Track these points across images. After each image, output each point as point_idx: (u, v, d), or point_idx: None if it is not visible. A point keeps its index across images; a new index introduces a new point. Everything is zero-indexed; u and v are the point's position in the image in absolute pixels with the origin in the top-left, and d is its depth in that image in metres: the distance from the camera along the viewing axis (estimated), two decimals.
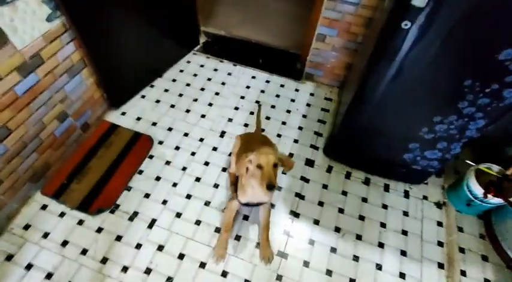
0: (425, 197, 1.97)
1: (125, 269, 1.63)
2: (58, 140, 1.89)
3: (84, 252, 1.68)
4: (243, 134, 1.92)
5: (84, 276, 1.60)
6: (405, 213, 1.90)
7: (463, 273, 1.64)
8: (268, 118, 2.32)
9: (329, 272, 1.67)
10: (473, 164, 1.73)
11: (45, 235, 1.72)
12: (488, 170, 1.71)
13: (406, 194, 1.98)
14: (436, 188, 2.02)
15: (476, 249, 1.73)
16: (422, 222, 1.87)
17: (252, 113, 2.34)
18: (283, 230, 1.80)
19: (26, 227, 1.74)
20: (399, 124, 1.60)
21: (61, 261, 1.64)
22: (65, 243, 1.70)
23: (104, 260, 1.66)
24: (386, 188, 2.01)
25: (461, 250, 1.72)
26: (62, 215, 1.80)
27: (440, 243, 1.79)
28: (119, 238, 1.73)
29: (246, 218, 1.82)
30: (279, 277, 1.64)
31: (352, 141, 1.89)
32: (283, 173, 2.02)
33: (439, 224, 1.87)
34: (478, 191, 1.64)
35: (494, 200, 1.62)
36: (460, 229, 1.80)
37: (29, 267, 1.62)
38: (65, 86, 1.81)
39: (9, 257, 1.64)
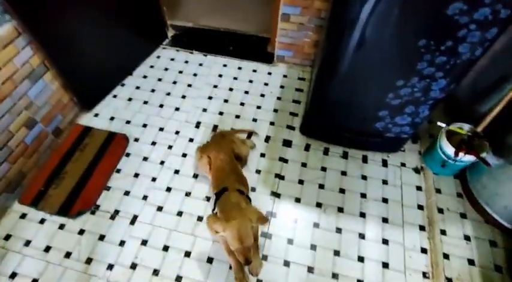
0: (403, 164, 1.99)
1: (110, 266, 1.64)
2: (30, 148, 1.86)
3: (68, 255, 1.67)
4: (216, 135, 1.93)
5: (70, 279, 1.60)
6: (384, 182, 1.92)
7: (443, 232, 1.67)
8: (242, 104, 2.31)
9: (313, 247, 1.69)
10: (444, 125, 1.74)
11: (27, 243, 1.71)
12: (458, 129, 1.73)
13: (384, 163, 2.00)
14: (413, 154, 2.04)
15: (454, 208, 1.76)
16: (401, 189, 1.89)
17: (226, 101, 2.33)
18: (266, 211, 1.81)
19: (7, 238, 1.73)
20: (366, 93, 1.60)
21: (45, 266, 1.64)
22: (47, 249, 1.69)
23: (89, 261, 1.65)
24: (365, 159, 2.02)
25: (440, 211, 1.75)
26: (42, 221, 1.79)
27: (420, 207, 1.82)
28: (101, 237, 1.73)
29: None
30: (264, 257, 1.65)
31: (325, 116, 1.89)
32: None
33: (418, 188, 1.89)
34: (450, 150, 1.66)
35: (466, 158, 1.64)
36: (438, 191, 1.82)
37: (13, 276, 1.61)
38: (28, 92, 1.77)
39: None
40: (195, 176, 1.95)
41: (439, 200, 1.79)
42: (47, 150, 2.00)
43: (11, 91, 1.66)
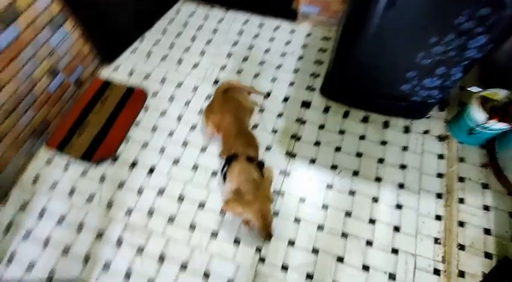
0: (426, 132, 1.91)
1: (129, 211, 1.73)
2: (53, 97, 1.91)
3: (90, 199, 1.77)
4: (220, 94, 1.84)
5: (92, 220, 1.71)
6: (404, 148, 1.86)
7: (461, 200, 1.63)
8: (262, 63, 2.24)
9: (325, 207, 1.70)
10: (477, 90, 1.62)
11: (53, 186, 1.82)
12: (493, 95, 1.60)
13: (407, 130, 1.92)
14: (438, 122, 1.93)
15: (476, 178, 1.69)
16: (422, 156, 1.83)
17: (245, 59, 2.26)
18: (280, 170, 1.81)
19: (35, 180, 1.84)
20: (394, 51, 1.49)
21: (70, 208, 1.75)
22: (71, 193, 1.80)
23: (109, 205, 1.75)
24: (386, 124, 1.95)
25: (461, 179, 1.69)
26: (66, 166, 1.88)
27: (440, 175, 1.76)
28: (121, 185, 1.81)
29: None
30: (275, 213, 1.69)
31: (348, 77, 1.80)
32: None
33: (440, 156, 1.82)
34: (481, 116, 1.56)
35: (497, 126, 1.54)
36: (462, 160, 1.75)
37: (42, 214, 1.74)
38: (50, 40, 1.78)
39: (23, 207, 1.76)
40: None
41: (461, 169, 1.72)
42: (69, 101, 2.05)
43: (32, 38, 1.67)
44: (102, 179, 1.83)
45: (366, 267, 1.54)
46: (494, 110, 1.58)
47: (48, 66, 1.82)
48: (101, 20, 2.04)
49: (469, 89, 1.65)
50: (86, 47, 2.07)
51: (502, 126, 1.53)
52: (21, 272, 1.60)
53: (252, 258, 1.58)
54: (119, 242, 1.65)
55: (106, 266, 1.59)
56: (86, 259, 1.61)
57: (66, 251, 1.64)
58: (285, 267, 1.56)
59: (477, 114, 1.58)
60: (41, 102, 1.84)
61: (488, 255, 1.49)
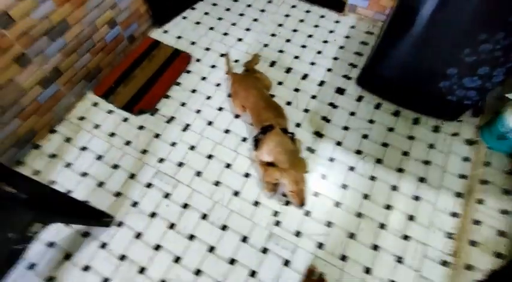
0: (456, 134, 1.93)
1: (161, 160, 1.86)
2: (108, 46, 2.06)
3: (127, 143, 1.92)
4: (238, 76, 2.00)
5: (127, 161, 1.85)
6: (431, 146, 1.89)
7: (480, 201, 1.65)
8: (304, 46, 2.32)
9: (344, 186, 1.77)
10: None
11: (96, 126, 1.98)
12: None
13: (436, 129, 1.96)
14: (470, 126, 1.95)
15: (500, 183, 1.71)
16: (448, 156, 1.86)
17: (288, 41, 2.35)
18: (305, 146, 1.89)
19: (81, 118, 2.00)
20: (439, 44, 1.53)
21: (109, 147, 1.90)
22: (112, 135, 1.95)
23: (144, 152, 1.89)
24: (416, 121, 1.99)
25: (484, 182, 1.71)
26: (110, 112, 2.03)
27: (462, 176, 1.79)
28: (157, 136, 1.94)
29: None
30: None
31: (387, 69, 1.85)
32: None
33: (466, 159, 1.85)
34: None
35: None
36: (488, 164, 1.77)
37: (84, 148, 1.90)
38: None
39: (68, 139, 1.92)
40: None
41: (486, 173, 1.74)
42: (120, 54, 2.20)
43: None
44: (141, 127, 1.97)
45: (375, 247, 1.61)
46: None
47: (110, 17, 1.97)
48: None
49: (507, 95, 1.67)
50: (143, 7, 2.21)
51: None
52: None
53: (268, 220, 1.68)
54: (149, 185, 1.78)
55: (134, 204, 1.73)
56: (117, 195, 1.76)
57: (100, 185, 1.79)
58: (297, 234, 1.64)
59: (510, 119, 1.60)
60: (97, 49, 1.99)
61: (499, 255, 1.52)
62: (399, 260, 1.57)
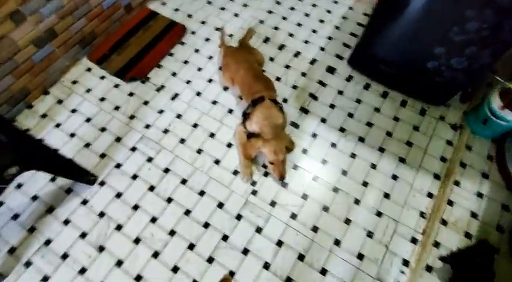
0: (442, 118, 1.93)
1: (147, 126, 1.90)
2: (104, 13, 2.10)
3: (117, 108, 1.96)
4: (230, 49, 2.03)
5: (115, 125, 1.90)
6: (415, 128, 1.89)
7: (457, 183, 1.66)
8: (299, 25, 2.31)
9: (324, 161, 1.79)
10: (502, 80, 1.62)
11: (88, 90, 2.03)
12: None
13: (422, 112, 1.95)
14: (457, 112, 1.94)
15: (479, 167, 1.71)
16: (430, 138, 1.86)
17: (284, 18, 2.34)
18: (290, 121, 1.91)
19: (74, 82, 2.06)
20: (428, 21, 1.52)
21: (98, 111, 1.95)
22: (102, 99, 1.99)
23: (132, 117, 1.93)
24: (403, 103, 1.98)
25: (463, 165, 1.71)
26: (102, 78, 2.08)
27: (443, 159, 1.79)
28: (146, 103, 1.98)
29: None
30: None
31: (377, 47, 1.84)
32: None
33: (449, 143, 1.84)
34: (497, 104, 1.57)
35: (511, 117, 1.54)
36: (469, 148, 1.77)
37: (74, 111, 1.95)
38: None
39: (60, 101, 1.98)
40: None
41: (466, 156, 1.74)
42: (116, 22, 2.23)
43: None
44: (131, 94, 2.02)
45: (347, 221, 1.63)
46: None
47: None
48: None
49: (497, 77, 1.65)
50: None
51: None
52: None
53: (246, 189, 1.71)
54: (133, 149, 1.83)
55: (118, 166, 1.79)
56: (102, 156, 1.81)
57: (87, 145, 1.85)
58: (273, 203, 1.68)
59: (494, 101, 1.59)
60: (94, 14, 2.02)
61: (468, 235, 1.54)
62: (369, 234, 1.60)
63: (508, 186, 1.64)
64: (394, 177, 1.75)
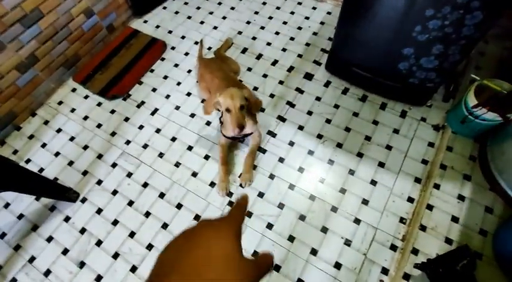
0: (423, 119, 1.87)
1: (128, 142, 1.95)
2: (86, 35, 2.18)
3: (99, 126, 2.02)
4: (205, 60, 2.05)
5: (97, 143, 1.96)
6: (395, 131, 1.85)
7: (437, 186, 1.60)
8: (277, 33, 2.32)
9: (301, 169, 1.77)
10: (478, 78, 1.57)
11: (73, 110, 2.10)
12: (493, 84, 1.54)
13: (403, 114, 1.90)
14: (439, 112, 1.88)
15: (460, 168, 1.64)
16: (411, 141, 1.81)
17: (262, 28, 2.36)
18: (267, 130, 1.91)
19: (60, 103, 2.13)
20: (390, 22, 1.49)
21: (82, 130, 2.01)
22: (86, 118, 2.06)
23: (113, 134, 1.98)
24: (383, 106, 1.94)
25: (443, 167, 1.65)
26: (86, 97, 2.15)
27: (424, 161, 1.74)
28: (126, 119, 2.03)
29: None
30: (254, 167, 1.79)
31: (348, 52, 1.83)
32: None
33: (430, 144, 1.78)
34: (472, 102, 1.51)
35: (488, 116, 1.48)
36: (450, 149, 1.70)
37: (59, 130, 2.02)
38: None
39: (46, 122, 2.06)
40: None
41: (447, 158, 1.68)
42: (100, 43, 2.32)
43: None
44: (113, 111, 2.07)
45: (324, 229, 1.60)
46: (493, 99, 1.52)
47: (85, 6, 2.08)
48: None
49: (472, 75, 1.59)
50: None
51: (492, 116, 1.47)
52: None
53: (222, 201, 1.71)
54: (114, 165, 1.87)
55: (99, 182, 1.83)
56: (84, 173, 1.86)
57: (70, 164, 1.90)
58: (249, 214, 1.67)
59: (470, 100, 1.53)
60: (74, 37, 2.11)
61: (448, 241, 1.47)
62: (347, 242, 1.56)
63: (491, 187, 1.56)
64: (373, 182, 1.70)
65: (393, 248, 1.52)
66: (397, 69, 1.70)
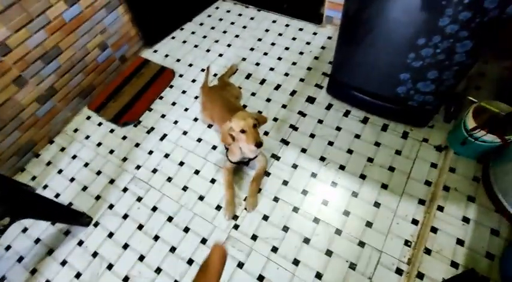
0: (425, 140, 1.89)
1: (138, 167, 2.04)
2: (100, 66, 2.33)
3: (111, 152, 2.13)
4: (206, 88, 2.14)
5: (109, 168, 2.06)
6: (397, 152, 1.87)
7: (441, 208, 1.60)
8: (279, 58, 2.42)
9: (304, 192, 1.81)
10: (476, 101, 1.60)
11: (87, 137, 2.22)
12: (491, 106, 1.56)
13: (405, 135, 1.93)
14: (441, 132, 1.90)
15: (464, 190, 1.64)
16: (414, 162, 1.82)
17: (265, 54, 2.47)
18: (271, 153, 1.97)
19: (75, 130, 2.27)
20: (385, 50, 1.55)
21: (95, 156, 2.12)
22: (99, 144, 2.17)
23: (124, 159, 2.08)
24: (384, 128, 1.98)
25: (446, 189, 1.66)
26: (99, 124, 2.28)
27: (428, 183, 1.74)
28: (137, 145, 2.13)
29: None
30: (258, 190, 1.84)
31: (347, 76, 1.89)
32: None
33: (433, 165, 1.80)
34: (471, 124, 1.54)
35: (488, 138, 1.50)
36: (453, 170, 1.71)
37: (74, 157, 2.14)
38: (104, 19, 2.20)
39: (62, 149, 2.18)
40: None
41: (450, 179, 1.69)
42: (113, 73, 2.47)
43: (91, 15, 2.09)
44: (124, 137, 2.18)
45: (329, 252, 1.61)
46: (492, 121, 1.54)
47: (100, 40, 2.24)
48: (149, 9, 2.43)
49: (469, 97, 1.63)
50: (133, 30, 2.47)
51: (491, 138, 1.49)
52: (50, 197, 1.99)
53: (228, 224, 1.76)
54: (125, 190, 1.96)
55: (110, 206, 1.91)
56: (97, 198, 1.95)
57: (84, 189, 2.00)
58: (254, 237, 1.70)
59: (468, 123, 1.56)
60: (90, 69, 2.26)
61: (454, 264, 1.46)
62: (352, 266, 1.56)
63: (497, 209, 1.55)
64: (376, 204, 1.72)
65: (399, 271, 1.52)
66: (395, 92, 1.74)
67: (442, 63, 1.45)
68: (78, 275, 1.71)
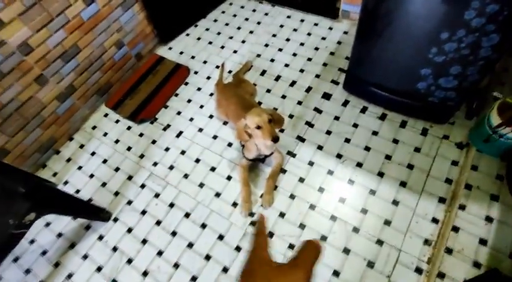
0: (446, 137, 1.85)
1: (155, 164, 2.07)
2: (117, 64, 2.37)
3: (129, 149, 2.16)
4: (220, 86, 2.14)
5: (127, 165, 2.09)
6: (417, 150, 1.83)
7: (463, 207, 1.56)
8: (295, 54, 2.40)
9: (321, 189, 1.80)
10: (500, 97, 1.54)
11: (105, 134, 2.26)
12: None
13: (424, 132, 1.89)
14: (462, 129, 1.85)
15: (486, 188, 1.60)
16: (434, 160, 1.78)
17: (280, 50, 2.45)
18: (287, 150, 1.96)
19: (94, 127, 2.31)
20: (406, 45, 1.51)
21: (113, 152, 2.17)
22: (117, 141, 2.21)
23: (142, 156, 2.11)
24: (403, 124, 1.94)
25: (468, 187, 1.62)
26: (117, 121, 2.31)
27: (448, 181, 1.71)
28: (154, 142, 2.16)
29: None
30: (275, 187, 1.84)
31: (365, 72, 1.86)
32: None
33: (454, 163, 1.75)
34: (495, 121, 1.49)
35: None
36: (475, 168, 1.67)
37: (93, 153, 2.19)
38: (120, 18, 2.22)
39: (82, 146, 2.23)
40: None
41: (472, 177, 1.64)
42: (129, 70, 2.50)
43: (107, 14, 2.12)
44: (141, 134, 2.21)
45: (346, 250, 1.60)
46: None
47: (117, 39, 2.27)
48: (164, 7, 2.44)
49: (494, 93, 1.57)
50: (149, 27, 2.49)
51: None
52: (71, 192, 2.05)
53: (245, 221, 1.77)
54: (142, 186, 1.99)
55: (129, 202, 1.95)
56: (116, 194, 1.99)
57: (103, 185, 2.04)
58: (270, 234, 1.71)
59: (493, 119, 1.51)
60: (107, 67, 2.29)
61: (476, 265, 1.43)
62: (370, 264, 1.55)
63: None
64: (395, 202, 1.69)
65: (418, 270, 1.50)
66: (415, 88, 1.70)
67: (466, 58, 1.41)
68: (99, 269, 1.76)
